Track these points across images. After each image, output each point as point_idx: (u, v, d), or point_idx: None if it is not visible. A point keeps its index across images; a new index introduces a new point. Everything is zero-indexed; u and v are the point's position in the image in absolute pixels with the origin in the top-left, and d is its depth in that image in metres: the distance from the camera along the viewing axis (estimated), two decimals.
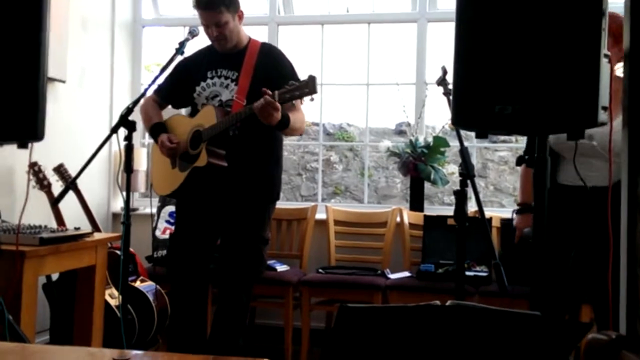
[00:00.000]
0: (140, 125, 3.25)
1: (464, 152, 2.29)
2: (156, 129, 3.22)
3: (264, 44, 3.27)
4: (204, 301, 3.34)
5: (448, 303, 1.46)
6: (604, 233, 1.69)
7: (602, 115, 1.60)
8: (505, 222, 3.85)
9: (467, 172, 2.26)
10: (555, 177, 2.73)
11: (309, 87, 2.71)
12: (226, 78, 3.15)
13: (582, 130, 1.64)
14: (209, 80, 3.17)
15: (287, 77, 3.05)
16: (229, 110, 3.04)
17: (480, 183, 7.25)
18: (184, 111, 3.62)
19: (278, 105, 2.79)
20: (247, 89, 3.07)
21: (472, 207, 3.47)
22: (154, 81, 2.96)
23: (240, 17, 3.16)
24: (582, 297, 2.79)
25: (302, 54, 5.77)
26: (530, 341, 1.37)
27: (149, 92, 3.15)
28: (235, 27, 3.13)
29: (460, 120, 1.82)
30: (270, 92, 2.79)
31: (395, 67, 5.17)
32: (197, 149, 3.06)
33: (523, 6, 1.69)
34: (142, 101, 3.26)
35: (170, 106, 3.45)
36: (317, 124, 6.87)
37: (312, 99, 2.77)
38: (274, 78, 3.04)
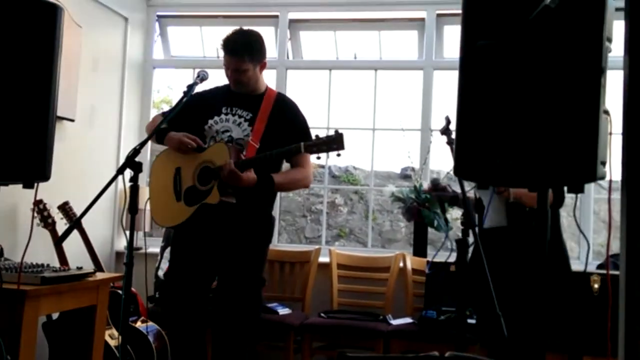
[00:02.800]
0: (146, 166, 3.24)
1: (466, 202, 2.30)
2: (164, 132, 3.18)
3: (279, 94, 3.34)
4: (202, 340, 3.27)
5: (447, 354, 1.45)
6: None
7: (601, 170, 1.62)
8: None
9: (467, 221, 2.27)
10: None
11: (337, 143, 2.80)
12: (240, 117, 3.19)
13: (582, 185, 1.65)
14: (222, 116, 3.20)
15: (300, 130, 3.17)
16: (240, 149, 3.08)
17: None
18: None
19: (239, 174, 2.92)
20: (262, 132, 3.12)
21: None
22: (160, 125, 3.00)
23: (263, 67, 3.23)
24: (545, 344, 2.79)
25: (310, 98, 5.83)
26: None
27: (160, 122, 3.12)
28: (254, 75, 3.19)
29: (461, 171, 1.84)
30: (231, 163, 2.91)
31: (401, 112, 5.22)
32: (206, 185, 3.07)
33: (525, 62, 1.72)
34: (150, 121, 3.44)
35: None
36: (322, 167, 6.91)
37: (338, 155, 2.85)
38: (287, 129, 3.14)
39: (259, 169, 3.03)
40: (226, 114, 3.20)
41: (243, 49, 3.12)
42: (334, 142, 2.80)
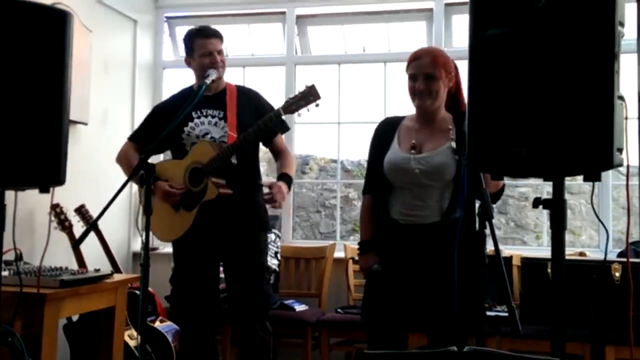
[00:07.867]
0: None
1: (483, 194, 2.27)
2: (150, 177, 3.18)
3: (238, 86, 3.41)
4: (213, 339, 3.32)
5: (466, 349, 1.45)
6: None
7: (618, 157, 1.60)
8: (526, 261, 3.80)
9: (484, 213, 2.24)
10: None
11: (312, 93, 2.88)
12: (213, 117, 3.23)
13: (599, 173, 1.64)
14: (196, 120, 3.23)
15: (267, 106, 3.30)
16: (224, 144, 3.12)
17: (500, 219, 7.19)
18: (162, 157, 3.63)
19: (285, 188, 3.12)
20: (236, 123, 3.18)
21: (491, 246, 3.44)
22: (175, 123, 2.96)
23: None
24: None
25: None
26: None
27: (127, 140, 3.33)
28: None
29: (475, 163, 1.82)
30: (275, 185, 3.07)
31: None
32: (199, 185, 3.10)
33: (536, 50, 1.70)
34: (119, 151, 3.38)
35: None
36: (335, 161, 6.90)
37: (317, 105, 2.93)
38: (258, 109, 3.26)
39: (245, 151, 3.14)
40: (199, 118, 3.24)
41: (218, 32, 3.29)
42: (309, 94, 2.88)
